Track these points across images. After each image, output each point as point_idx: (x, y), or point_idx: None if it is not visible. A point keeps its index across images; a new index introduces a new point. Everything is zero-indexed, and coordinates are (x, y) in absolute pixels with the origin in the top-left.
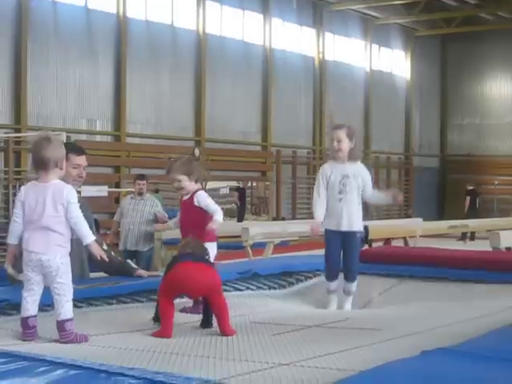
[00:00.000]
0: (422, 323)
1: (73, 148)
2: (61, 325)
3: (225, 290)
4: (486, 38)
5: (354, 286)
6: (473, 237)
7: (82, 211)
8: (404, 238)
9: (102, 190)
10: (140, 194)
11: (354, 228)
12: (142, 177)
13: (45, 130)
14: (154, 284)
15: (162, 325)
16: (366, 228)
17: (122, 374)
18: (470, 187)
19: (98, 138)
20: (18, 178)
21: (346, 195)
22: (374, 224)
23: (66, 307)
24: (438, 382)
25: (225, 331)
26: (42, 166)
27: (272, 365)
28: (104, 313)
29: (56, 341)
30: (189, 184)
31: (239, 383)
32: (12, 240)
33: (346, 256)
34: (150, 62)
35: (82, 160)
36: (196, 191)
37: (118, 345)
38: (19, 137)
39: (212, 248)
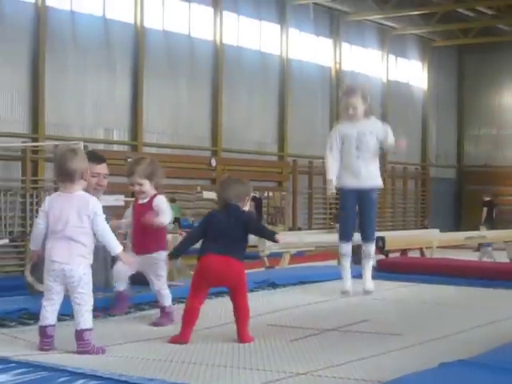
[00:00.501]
0: (440, 329)
1: (92, 156)
2: (79, 334)
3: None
4: (503, 49)
5: (372, 246)
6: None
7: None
8: (420, 249)
9: (118, 199)
10: None
11: (371, 185)
12: None
13: (62, 139)
14: (174, 293)
15: (181, 329)
16: (382, 239)
17: None
18: (487, 198)
19: (115, 147)
20: (35, 187)
21: (363, 152)
22: (390, 235)
23: (85, 317)
24: None
25: (243, 338)
26: (67, 177)
27: (289, 374)
28: (121, 321)
29: (73, 352)
30: (150, 189)
31: None
32: (34, 245)
33: (362, 215)
34: (167, 72)
35: (101, 168)
36: (155, 195)
37: (135, 354)
38: (36, 146)
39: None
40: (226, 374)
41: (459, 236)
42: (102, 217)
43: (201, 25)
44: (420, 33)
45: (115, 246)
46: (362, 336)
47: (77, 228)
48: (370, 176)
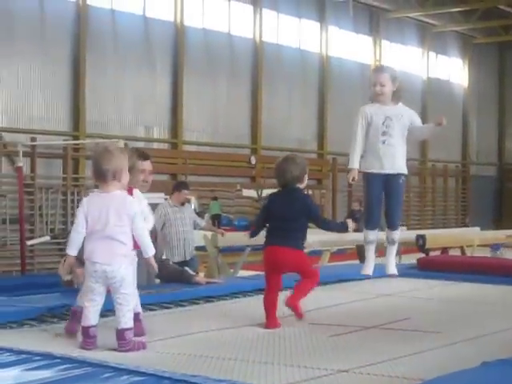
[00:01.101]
0: (481, 327)
1: (138, 153)
2: (121, 333)
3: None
4: None
5: (397, 234)
6: None
7: None
8: (461, 248)
9: (159, 197)
10: (183, 203)
11: (398, 170)
12: (187, 186)
13: (103, 137)
14: (213, 290)
15: (266, 318)
16: (423, 237)
17: (185, 382)
18: None
19: (156, 145)
20: (76, 184)
21: (390, 137)
22: (430, 233)
23: (127, 316)
24: None
25: (288, 301)
26: (101, 177)
27: (331, 371)
28: (162, 317)
29: (114, 349)
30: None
31: None
32: (72, 251)
33: (388, 201)
34: (206, 70)
35: (147, 165)
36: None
37: (176, 350)
38: (77, 144)
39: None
40: (267, 370)
41: (500, 234)
42: (140, 217)
43: (240, 23)
44: (460, 30)
45: (148, 249)
46: (403, 334)
47: (117, 227)
48: (397, 162)
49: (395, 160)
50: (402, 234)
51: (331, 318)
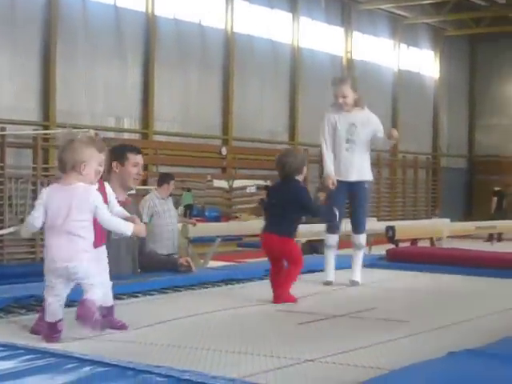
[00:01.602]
0: (448, 317)
1: (131, 148)
2: (83, 301)
3: (249, 280)
4: None
5: (363, 238)
6: (500, 238)
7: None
8: (431, 239)
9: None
10: (170, 195)
11: (362, 178)
12: (173, 177)
13: (73, 127)
14: (182, 280)
15: (273, 292)
16: (392, 228)
17: (149, 372)
18: (497, 188)
19: (126, 135)
20: (46, 174)
21: (354, 144)
22: (400, 224)
23: (94, 291)
24: None
25: (278, 300)
26: (61, 168)
27: (297, 361)
28: (129, 307)
29: (79, 338)
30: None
31: (264, 380)
32: (25, 233)
33: (353, 207)
34: (178, 61)
35: (139, 159)
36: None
37: (144, 340)
38: (47, 134)
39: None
40: (234, 359)
41: (469, 226)
42: (103, 209)
43: (212, 13)
44: (432, 22)
45: (125, 230)
46: (370, 323)
47: (77, 222)
48: (361, 169)
49: (359, 167)
50: (372, 224)
51: (300, 307)
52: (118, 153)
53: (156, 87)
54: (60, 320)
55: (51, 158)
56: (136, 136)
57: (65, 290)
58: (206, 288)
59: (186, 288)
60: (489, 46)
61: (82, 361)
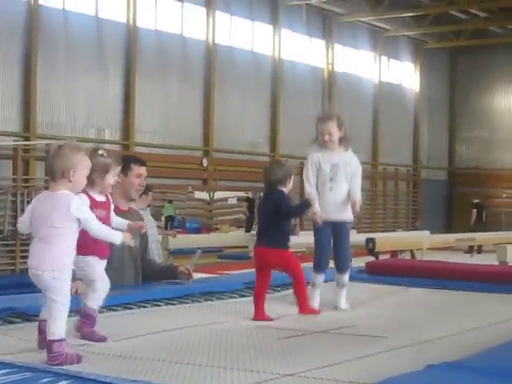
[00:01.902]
0: (428, 332)
1: (135, 159)
2: (49, 345)
3: (230, 297)
4: (495, 51)
5: (346, 277)
6: (479, 250)
7: None
8: (411, 251)
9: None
10: (149, 205)
11: (344, 218)
12: (150, 188)
13: (53, 138)
14: (161, 293)
15: (254, 309)
16: (372, 240)
17: None
18: (476, 200)
19: (107, 146)
20: (26, 186)
21: (336, 184)
22: (380, 236)
23: (56, 326)
24: None
25: (300, 309)
26: (49, 174)
27: (276, 375)
28: (108, 320)
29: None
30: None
31: None
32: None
33: (337, 246)
34: (159, 72)
35: (143, 170)
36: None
37: (123, 353)
38: (28, 145)
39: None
40: (213, 374)
41: (450, 238)
42: (88, 220)
43: (193, 25)
44: (412, 35)
45: (114, 238)
46: (349, 338)
47: (52, 228)
48: (343, 209)
49: (343, 207)
50: (352, 236)
51: (279, 323)
52: (122, 163)
53: (137, 98)
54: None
55: (31, 169)
56: (117, 147)
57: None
58: (186, 302)
59: (166, 302)
60: (469, 58)
61: (58, 375)
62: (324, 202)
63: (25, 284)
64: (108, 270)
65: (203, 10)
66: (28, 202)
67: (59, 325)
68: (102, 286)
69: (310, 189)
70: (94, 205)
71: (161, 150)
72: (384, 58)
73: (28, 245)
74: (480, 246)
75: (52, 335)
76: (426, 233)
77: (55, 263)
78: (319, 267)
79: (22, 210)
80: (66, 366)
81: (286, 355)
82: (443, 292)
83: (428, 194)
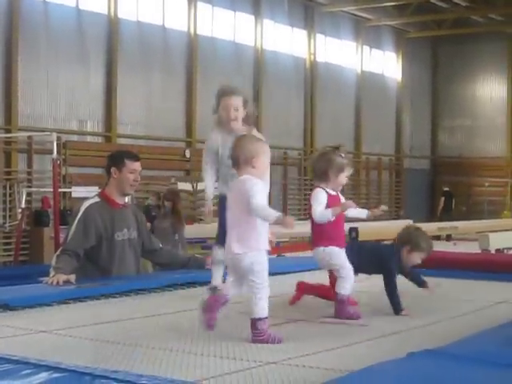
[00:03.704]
0: (409, 320)
1: (129, 155)
2: (252, 323)
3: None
4: (477, 40)
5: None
6: (448, 238)
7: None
8: (394, 240)
9: (92, 191)
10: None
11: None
12: None
13: (35, 130)
14: (145, 283)
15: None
16: (356, 229)
17: (106, 377)
18: (446, 188)
19: (89, 138)
20: (8, 178)
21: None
22: (363, 225)
23: (259, 305)
24: None
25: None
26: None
27: (259, 363)
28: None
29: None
30: None
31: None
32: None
33: None
34: (141, 63)
35: (137, 165)
36: None
37: (103, 337)
38: (9, 137)
39: None
40: (196, 362)
41: (432, 227)
42: (253, 195)
43: (175, 15)
44: (394, 24)
45: (271, 217)
46: (331, 327)
47: (244, 213)
48: None
49: None
50: None
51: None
52: (116, 159)
53: (119, 90)
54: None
55: (13, 162)
56: (99, 139)
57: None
58: (170, 291)
59: (150, 291)
60: (451, 47)
61: (39, 366)
62: (224, 180)
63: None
64: (111, 262)
65: (184, 0)
66: (10, 195)
67: (263, 304)
68: (346, 272)
69: (207, 182)
70: (330, 198)
71: (143, 141)
72: (366, 48)
73: (10, 237)
74: (449, 235)
75: (256, 314)
76: (409, 222)
77: (254, 247)
78: (222, 242)
79: (4, 203)
80: (268, 343)
81: (268, 344)
82: (429, 279)
83: (411, 183)
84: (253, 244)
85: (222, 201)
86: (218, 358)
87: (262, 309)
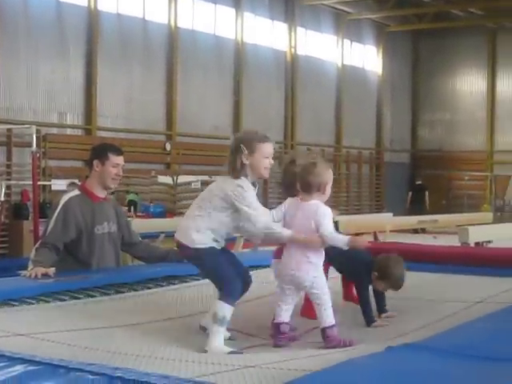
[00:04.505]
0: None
1: (112, 148)
2: (322, 332)
3: (185, 282)
4: (458, 34)
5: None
6: (424, 231)
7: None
8: (374, 233)
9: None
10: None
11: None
12: None
13: (15, 123)
14: (126, 277)
15: None
16: (336, 222)
17: (81, 370)
18: (418, 182)
19: (69, 131)
20: None
21: None
22: (343, 218)
23: (324, 315)
24: (403, 378)
25: None
26: (304, 188)
27: (238, 367)
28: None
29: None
30: None
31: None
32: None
33: None
34: (121, 56)
35: (120, 159)
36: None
37: (79, 343)
38: None
39: None
40: (174, 365)
41: (412, 220)
42: (324, 224)
43: (155, 8)
44: (375, 18)
45: (343, 243)
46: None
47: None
48: None
49: None
50: None
51: (240, 311)
52: (99, 152)
53: (99, 82)
54: (284, 323)
55: None
56: (79, 132)
57: (292, 296)
58: (149, 288)
59: (129, 287)
60: (431, 41)
61: (13, 359)
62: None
63: None
64: (90, 255)
65: None
66: None
67: (328, 313)
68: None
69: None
70: None
71: (123, 134)
72: (347, 42)
73: None
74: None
75: (324, 323)
76: (389, 215)
77: (312, 267)
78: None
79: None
80: (341, 347)
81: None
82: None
83: (391, 177)
84: (313, 261)
85: None
86: (196, 364)
87: (328, 317)
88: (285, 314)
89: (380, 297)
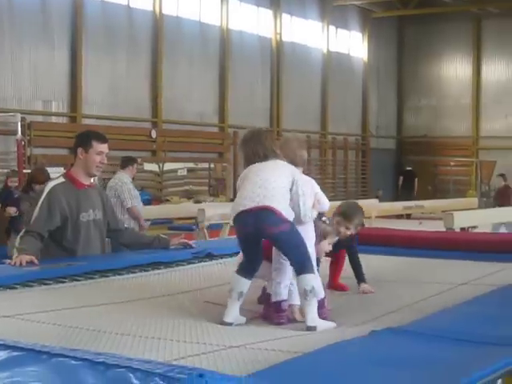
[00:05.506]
0: (376, 300)
1: (97, 136)
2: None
3: (170, 267)
4: (443, 20)
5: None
6: (408, 217)
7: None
8: None
9: (57, 172)
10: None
11: None
12: (136, 160)
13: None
14: (110, 264)
15: None
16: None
17: (64, 355)
18: (408, 168)
19: (54, 119)
20: None
21: None
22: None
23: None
24: (387, 362)
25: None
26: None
27: (222, 347)
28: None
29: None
30: None
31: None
32: None
33: None
34: (106, 43)
35: (105, 147)
36: None
37: (64, 322)
38: None
39: None
40: (159, 345)
41: (397, 206)
42: None
43: None
44: (360, 4)
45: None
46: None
47: None
48: None
49: None
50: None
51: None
52: (83, 139)
53: (84, 70)
54: (283, 300)
55: None
56: (64, 119)
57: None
58: (134, 273)
59: (114, 272)
60: (416, 27)
61: None
62: None
63: None
64: (76, 242)
65: None
66: None
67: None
68: None
69: None
70: None
71: (109, 121)
72: (332, 28)
73: None
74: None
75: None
76: (375, 201)
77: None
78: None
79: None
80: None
81: (233, 330)
82: (389, 258)
83: (377, 163)
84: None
85: None
86: (181, 343)
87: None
88: (284, 292)
89: (358, 267)
